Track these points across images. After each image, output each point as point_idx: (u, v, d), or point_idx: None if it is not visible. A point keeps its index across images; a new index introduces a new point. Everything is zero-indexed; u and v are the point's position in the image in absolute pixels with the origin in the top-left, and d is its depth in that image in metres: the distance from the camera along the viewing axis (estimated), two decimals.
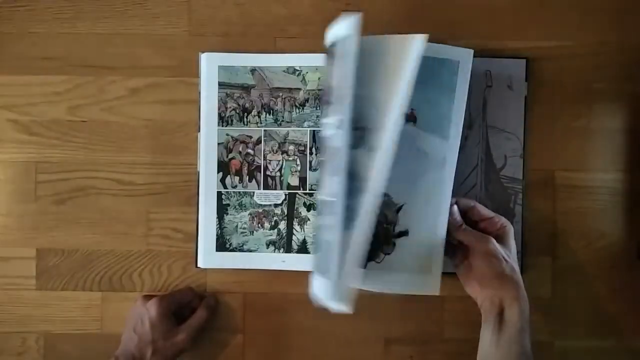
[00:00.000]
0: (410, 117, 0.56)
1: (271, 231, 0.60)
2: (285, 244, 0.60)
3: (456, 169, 0.57)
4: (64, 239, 0.61)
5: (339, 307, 0.47)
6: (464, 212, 0.55)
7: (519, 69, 0.60)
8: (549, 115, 0.60)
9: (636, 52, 0.60)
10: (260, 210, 0.60)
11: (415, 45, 0.50)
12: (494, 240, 0.52)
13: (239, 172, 0.60)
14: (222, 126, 0.60)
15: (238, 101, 0.60)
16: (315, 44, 0.59)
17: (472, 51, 0.56)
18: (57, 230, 0.60)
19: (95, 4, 0.60)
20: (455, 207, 0.55)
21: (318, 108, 0.60)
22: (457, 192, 0.59)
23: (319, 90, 0.60)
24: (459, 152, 0.59)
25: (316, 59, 0.59)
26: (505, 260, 0.51)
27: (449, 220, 0.54)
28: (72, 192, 0.60)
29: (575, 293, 0.61)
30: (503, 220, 0.54)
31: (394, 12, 0.60)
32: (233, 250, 0.60)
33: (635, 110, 0.61)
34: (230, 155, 0.60)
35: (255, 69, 0.60)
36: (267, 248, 0.60)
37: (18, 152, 0.60)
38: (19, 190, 0.60)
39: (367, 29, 0.60)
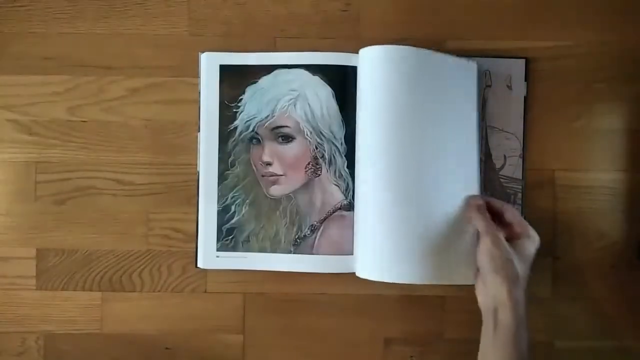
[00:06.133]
0: None
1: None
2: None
3: None
4: (64, 239, 0.61)
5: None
6: (495, 212, 0.53)
7: (519, 68, 0.60)
8: (549, 115, 0.60)
9: (636, 52, 0.60)
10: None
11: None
12: (501, 235, 0.50)
13: None
14: None
15: None
16: (315, 44, 0.60)
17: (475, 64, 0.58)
18: (57, 230, 0.60)
19: (95, 4, 0.60)
20: (480, 197, 0.54)
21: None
22: None
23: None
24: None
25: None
26: (507, 258, 0.49)
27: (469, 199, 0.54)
28: (72, 192, 0.60)
29: (575, 293, 0.61)
30: (533, 232, 0.52)
31: (394, 12, 0.60)
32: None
33: (635, 110, 0.61)
34: None
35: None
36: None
37: (18, 152, 0.60)
38: (19, 190, 0.60)
39: (367, 28, 0.60)
